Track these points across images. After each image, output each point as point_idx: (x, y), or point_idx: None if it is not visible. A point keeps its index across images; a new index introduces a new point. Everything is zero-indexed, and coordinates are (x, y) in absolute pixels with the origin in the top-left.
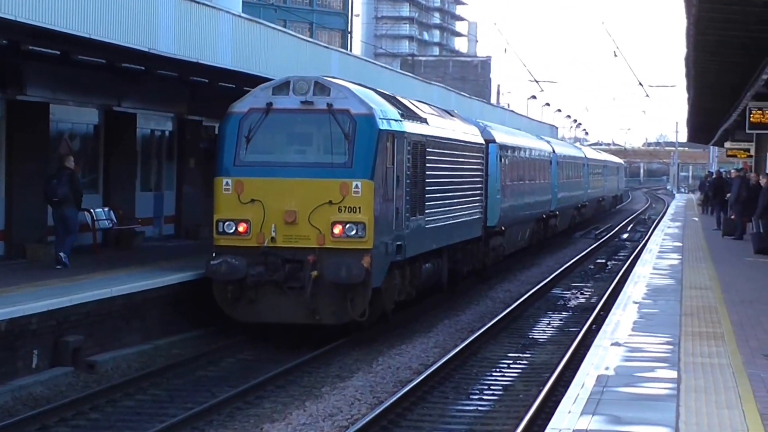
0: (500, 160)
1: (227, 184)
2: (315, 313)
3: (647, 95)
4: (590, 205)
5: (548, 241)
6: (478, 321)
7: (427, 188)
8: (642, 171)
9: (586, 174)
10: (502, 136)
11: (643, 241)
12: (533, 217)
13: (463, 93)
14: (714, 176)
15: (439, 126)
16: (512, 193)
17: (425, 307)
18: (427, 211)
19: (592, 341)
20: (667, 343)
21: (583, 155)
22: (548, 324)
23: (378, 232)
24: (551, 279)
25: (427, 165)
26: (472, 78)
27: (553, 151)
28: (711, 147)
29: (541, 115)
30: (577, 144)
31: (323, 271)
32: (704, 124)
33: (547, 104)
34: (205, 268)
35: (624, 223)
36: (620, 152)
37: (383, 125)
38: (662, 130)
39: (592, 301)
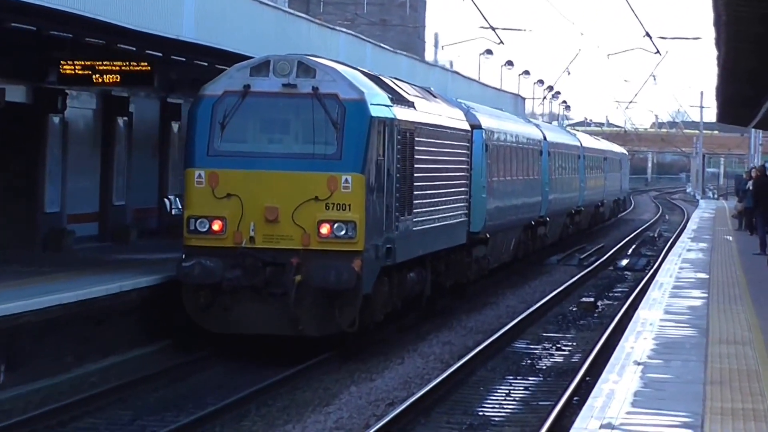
0: (486, 150)
1: (200, 176)
2: (298, 323)
3: (658, 52)
4: (586, 211)
5: (535, 255)
6: (400, 388)
7: (415, 184)
8: (650, 165)
9: (582, 169)
10: (488, 120)
11: (651, 271)
12: (520, 222)
13: (383, 45)
14: (756, 174)
15: (426, 111)
16: (499, 192)
17: (327, 368)
18: (415, 210)
19: (573, 422)
20: (685, 425)
21: (578, 143)
22: (507, 395)
23: (369, 232)
24: (513, 326)
25: (415, 156)
26: (396, 23)
27: (544, 138)
28: (752, 131)
29: (501, 79)
30: (565, 126)
31: (308, 275)
32: (742, 96)
33: (509, 64)
34: (175, 271)
35: (623, 242)
36: (618, 137)
37: (375, 112)
38: (680, 105)
39: (574, 360)
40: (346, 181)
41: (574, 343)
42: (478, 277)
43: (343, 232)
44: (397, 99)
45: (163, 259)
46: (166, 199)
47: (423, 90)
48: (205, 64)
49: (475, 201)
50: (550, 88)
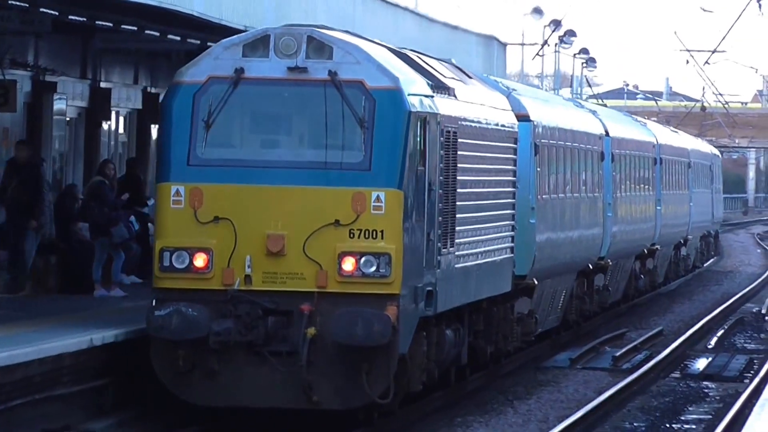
0: (536, 153)
1: (177, 193)
2: (311, 393)
3: None
4: (662, 253)
5: (593, 319)
6: None
7: (459, 203)
8: (752, 174)
9: (658, 182)
10: (538, 107)
11: (756, 382)
12: (575, 266)
13: None
14: None
15: (468, 100)
16: (551, 217)
17: None
18: (457, 240)
19: None
20: None
21: (652, 139)
22: None
23: (407, 269)
24: None
25: (459, 165)
26: None
27: (606, 133)
28: None
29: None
30: (629, 113)
31: (326, 327)
32: None
33: None
34: (146, 323)
35: (701, 323)
36: (690, 120)
37: (414, 105)
38: None
39: None
40: (378, 199)
41: None
42: (522, 343)
43: (373, 269)
44: (437, 86)
45: None
46: None
47: (453, 67)
48: None
49: (520, 229)
50: (556, 24)
